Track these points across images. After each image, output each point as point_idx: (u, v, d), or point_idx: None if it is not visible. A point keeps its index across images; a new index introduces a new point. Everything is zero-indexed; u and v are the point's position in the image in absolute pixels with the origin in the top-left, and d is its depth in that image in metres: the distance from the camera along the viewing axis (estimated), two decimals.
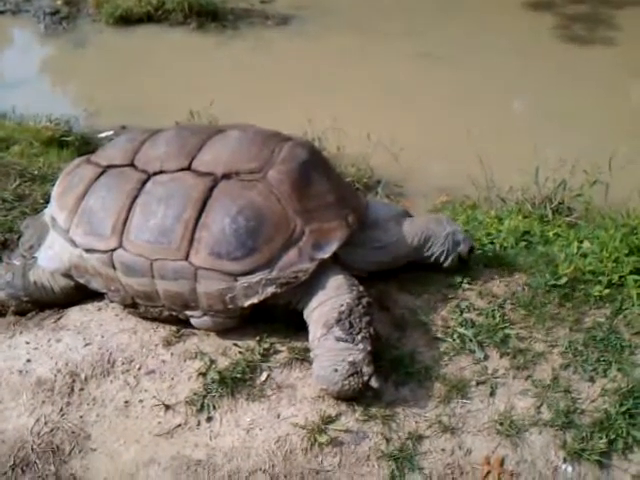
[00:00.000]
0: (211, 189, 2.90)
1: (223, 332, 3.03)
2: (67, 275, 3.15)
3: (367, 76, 7.50)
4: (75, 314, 3.23)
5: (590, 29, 8.96)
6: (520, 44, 8.34)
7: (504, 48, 8.22)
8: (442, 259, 3.28)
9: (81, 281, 3.12)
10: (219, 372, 2.86)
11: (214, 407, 2.77)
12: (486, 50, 8.15)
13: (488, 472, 2.60)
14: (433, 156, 5.81)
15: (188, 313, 2.97)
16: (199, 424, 2.74)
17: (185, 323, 3.04)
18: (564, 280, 3.33)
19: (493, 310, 3.20)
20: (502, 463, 2.63)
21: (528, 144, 4.86)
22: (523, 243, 3.78)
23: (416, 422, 2.74)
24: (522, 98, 7.55)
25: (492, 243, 3.77)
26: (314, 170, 3.03)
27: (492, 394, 2.86)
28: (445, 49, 8.15)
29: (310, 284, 2.87)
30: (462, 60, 7.89)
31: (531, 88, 7.42)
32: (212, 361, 2.92)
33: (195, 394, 2.81)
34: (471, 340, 3.04)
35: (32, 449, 2.68)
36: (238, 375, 2.86)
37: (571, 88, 7.21)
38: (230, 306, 2.88)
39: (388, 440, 2.67)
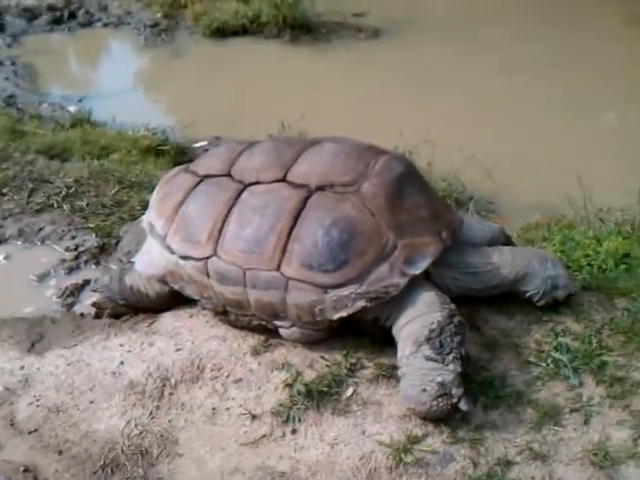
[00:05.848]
0: (305, 201, 2.91)
1: (310, 344, 3.02)
2: (162, 281, 3.23)
3: (460, 88, 7.36)
4: (168, 319, 3.30)
5: None
6: (619, 56, 8.00)
7: (602, 60, 7.90)
8: (536, 298, 3.13)
9: (176, 287, 3.19)
10: (305, 384, 2.85)
11: (299, 419, 2.77)
12: (585, 62, 7.86)
13: None
14: (527, 172, 5.64)
15: (277, 323, 2.99)
16: (284, 435, 2.74)
17: (273, 333, 3.05)
18: None
19: (590, 335, 3.07)
20: None
21: (628, 160, 4.66)
22: (623, 266, 3.64)
23: (505, 447, 2.65)
24: (620, 112, 7.25)
25: (590, 265, 3.64)
26: (408, 184, 2.99)
27: (586, 423, 2.73)
28: (542, 60, 7.92)
29: (400, 300, 2.83)
30: (559, 71, 7.64)
31: (630, 103, 7.11)
32: (299, 373, 2.92)
33: (281, 405, 2.81)
34: (566, 365, 2.92)
35: (122, 451, 2.73)
36: (324, 388, 2.84)
37: None
38: (319, 318, 2.87)
39: (475, 464, 2.59)
